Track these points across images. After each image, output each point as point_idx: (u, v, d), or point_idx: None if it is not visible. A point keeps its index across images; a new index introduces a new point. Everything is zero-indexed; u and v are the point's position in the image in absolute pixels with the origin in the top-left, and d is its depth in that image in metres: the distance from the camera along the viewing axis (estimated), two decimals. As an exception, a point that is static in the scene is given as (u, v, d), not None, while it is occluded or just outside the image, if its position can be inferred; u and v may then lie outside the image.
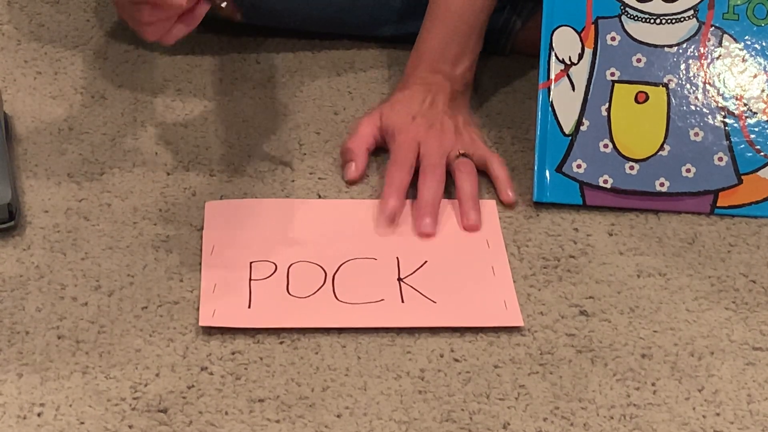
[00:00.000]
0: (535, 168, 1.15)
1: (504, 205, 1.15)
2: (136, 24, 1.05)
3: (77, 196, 1.16)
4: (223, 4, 1.04)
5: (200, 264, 1.08)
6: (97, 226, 1.12)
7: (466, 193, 1.14)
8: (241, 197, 1.16)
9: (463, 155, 1.17)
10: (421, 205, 1.13)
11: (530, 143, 1.19)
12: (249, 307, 1.04)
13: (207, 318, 1.02)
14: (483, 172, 1.19)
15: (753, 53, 1.14)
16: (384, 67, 1.35)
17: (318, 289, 1.06)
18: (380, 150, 1.22)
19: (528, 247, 1.12)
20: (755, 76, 1.14)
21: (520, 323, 1.03)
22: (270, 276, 1.07)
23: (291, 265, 1.08)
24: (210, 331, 1.02)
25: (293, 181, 1.19)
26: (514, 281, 1.07)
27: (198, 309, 1.04)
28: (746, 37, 1.14)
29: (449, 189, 1.18)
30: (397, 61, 1.36)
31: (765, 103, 1.14)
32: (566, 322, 1.04)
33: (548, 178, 1.15)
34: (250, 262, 1.08)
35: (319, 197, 1.17)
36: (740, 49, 1.14)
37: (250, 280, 1.07)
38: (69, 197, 1.15)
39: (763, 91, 1.14)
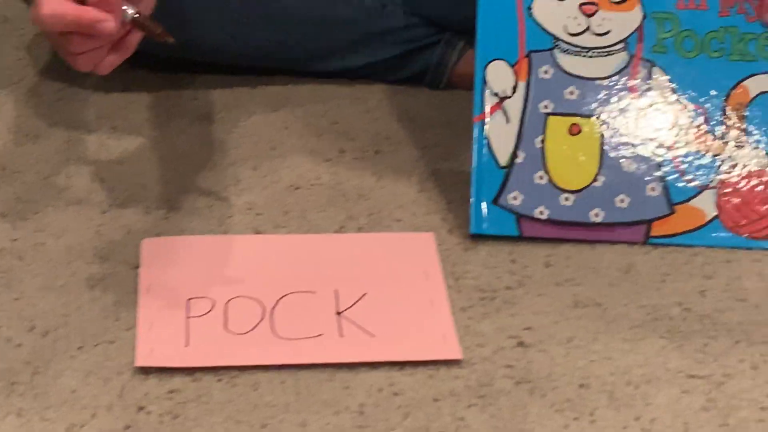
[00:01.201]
0: (472, 200, 1.16)
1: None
2: (67, 55, 1.04)
3: (10, 236, 1.15)
4: (158, 30, 1.04)
5: (137, 302, 1.08)
6: (31, 266, 1.11)
7: None
8: (178, 234, 1.16)
9: None
10: None
11: (466, 176, 1.19)
12: (186, 345, 1.03)
13: (144, 357, 1.02)
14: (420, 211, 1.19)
15: (682, 85, 1.16)
16: (320, 102, 1.36)
17: (256, 325, 1.06)
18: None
19: (466, 279, 1.12)
20: (684, 108, 1.16)
21: (458, 356, 1.03)
22: (208, 313, 1.07)
23: (229, 300, 1.08)
24: (147, 369, 1.01)
25: (230, 217, 1.19)
26: (453, 313, 1.08)
27: (135, 348, 1.03)
28: (675, 69, 1.16)
29: (387, 223, 1.18)
30: (334, 95, 1.37)
31: (694, 134, 1.16)
32: (504, 353, 1.04)
33: (485, 210, 1.16)
34: (188, 299, 1.08)
35: (257, 233, 1.17)
36: (669, 81, 1.16)
37: (188, 317, 1.06)
38: (2, 237, 1.14)
39: (692, 122, 1.16)
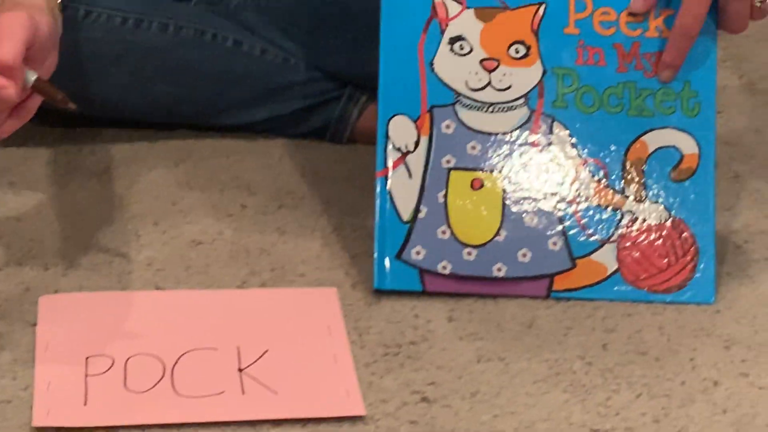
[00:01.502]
0: (375, 255, 1.16)
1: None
2: None
3: None
4: (59, 96, 1.03)
5: (34, 361, 1.06)
6: (-75, 325, 1.09)
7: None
8: (76, 291, 1.14)
9: None
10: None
11: (369, 231, 1.19)
12: (85, 404, 1.01)
13: (41, 417, 1.00)
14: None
15: (582, 139, 1.17)
16: (222, 157, 1.35)
17: (157, 383, 1.04)
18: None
19: (369, 334, 1.12)
20: (585, 162, 1.17)
21: (362, 412, 1.03)
22: (107, 371, 1.05)
23: (129, 358, 1.06)
24: (45, 429, 0.99)
25: (131, 273, 1.17)
26: (356, 369, 1.07)
27: (32, 407, 1.01)
28: (575, 124, 1.17)
29: (290, 278, 1.17)
30: (235, 150, 1.36)
31: (595, 188, 1.17)
32: (408, 409, 1.04)
33: (388, 265, 1.16)
34: (86, 357, 1.06)
35: (158, 289, 1.16)
36: (570, 136, 1.17)
37: (86, 375, 1.04)
38: None
39: (593, 176, 1.17)
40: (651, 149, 1.17)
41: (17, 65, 0.98)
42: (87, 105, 1.31)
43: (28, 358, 1.06)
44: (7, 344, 1.07)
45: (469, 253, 1.16)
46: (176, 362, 1.06)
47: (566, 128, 1.17)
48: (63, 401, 1.01)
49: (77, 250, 1.20)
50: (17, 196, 1.26)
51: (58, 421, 0.99)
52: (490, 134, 1.17)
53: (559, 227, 1.16)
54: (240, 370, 1.06)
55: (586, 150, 1.17)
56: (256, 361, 1.07)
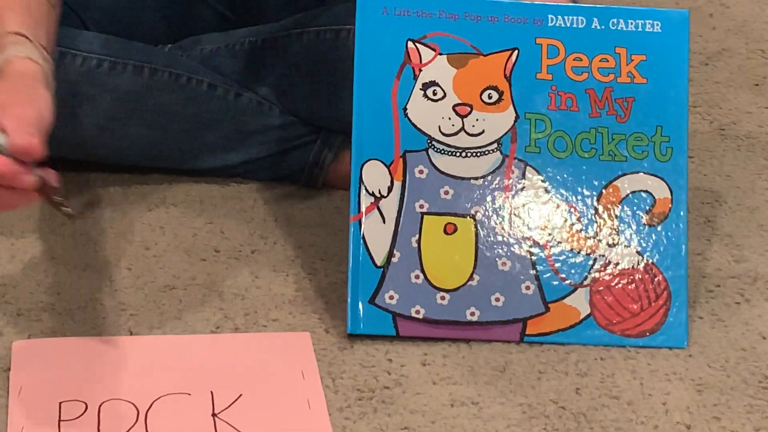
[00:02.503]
0: (349, 300, 1.16)
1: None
2: None
3: None
4: (64, 208, 1.03)
5: (7, 406, 1.05)
6: None
7: None
8: (50, 336, 1.14)
9: None
10: None
11: (343, 275, 1.19)
12: (57, 450, 1.01)
13: (13, 463, 0.99)
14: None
15: (555, 184, 1.18)
16: (196, 201, 1.35)
17: (130, 428, 1.04)
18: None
19: (343, 379, 1.12)
20: (558, 207, 1.18)
21: (336, 457, 1.03)
22: (80, 416, 1.05)
23: (102, 403, 1.06)
24: (16, 476, 0.99)
25: (104, 318, 1.17)
26: (330, 414, 1.07)
27: (4, 454, 1.01)
28: (548, 169, 1.18)
29: (263, 323, 1.17)
30: (209, 194, 1.36)
31: (568, 232, 1.18)
32: (382, 454, 1.04)
33: (361, 310, 1.16)
34: (60, 402, 1.06)
35: (132, 334, 1.15)
36: (542, 181, 1.18)
37: (60, 420, 1.04)
38: None
39: (565, 221, 1.18)
40: (624, 194, 1.18)
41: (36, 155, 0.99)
42: (61, 146, 1.31)
43: (1, 403, 1.05)
44: (-21, 390, 1.07)
45: (443, 298, 1.16)
46: (150, 407, 1.06)
47: (539, 173, 1.18)
48: (35, 447, 1.01)
49: (51, 294, 1.19)
50: (-10, 240, 1.26)
51: (31, 467, 0.99)
52: (463, 179, 1.17)
53: (532, 271, 1.17)
54: (214, 415, 1.06)
55: (558, 195, 1.18)
56: (230, 406, 1.07)
